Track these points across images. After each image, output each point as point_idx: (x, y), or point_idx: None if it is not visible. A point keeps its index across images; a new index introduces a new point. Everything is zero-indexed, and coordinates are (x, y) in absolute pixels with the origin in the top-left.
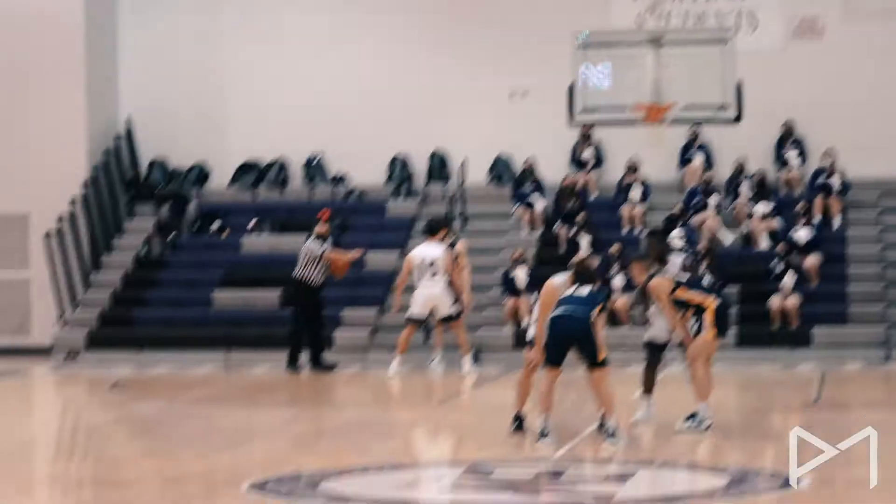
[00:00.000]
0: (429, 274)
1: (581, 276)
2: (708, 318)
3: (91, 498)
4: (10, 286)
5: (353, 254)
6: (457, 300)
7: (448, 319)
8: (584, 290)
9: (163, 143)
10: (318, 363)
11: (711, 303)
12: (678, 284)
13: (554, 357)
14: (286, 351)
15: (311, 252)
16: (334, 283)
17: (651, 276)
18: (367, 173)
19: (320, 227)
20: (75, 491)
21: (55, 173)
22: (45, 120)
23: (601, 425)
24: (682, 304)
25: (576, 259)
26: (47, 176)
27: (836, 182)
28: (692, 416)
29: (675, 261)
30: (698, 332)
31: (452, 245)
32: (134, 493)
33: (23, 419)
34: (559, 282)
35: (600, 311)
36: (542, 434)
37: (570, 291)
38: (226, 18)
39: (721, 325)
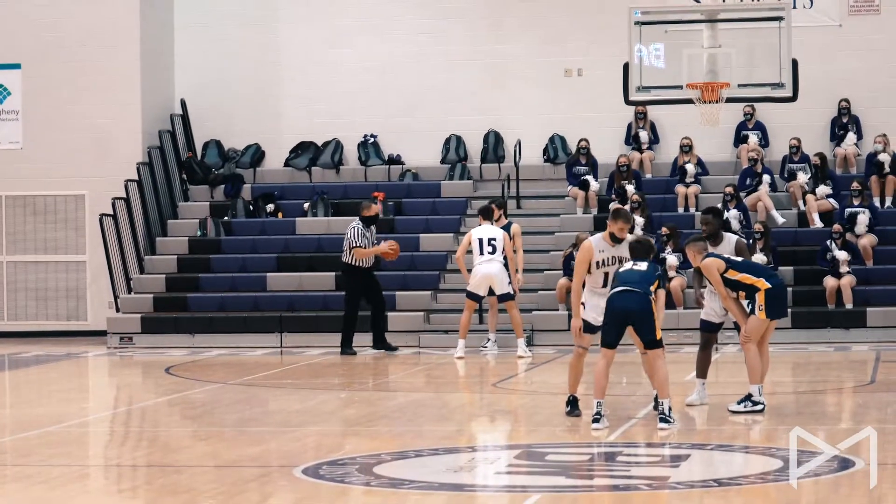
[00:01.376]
0: (487, 252)
1: (638, 251)
2: (759, 299)
3: (145, 482)
4: (66, 269)
5: (382, 247)
6: (511, 281)
7: (504, 298)
8: (643, 265)
9: (218, 124)
10: (381, 343)
11: (764, 284)
12: (730, 264)
13: (610, 338)
14: (340, 334)
15: (352, 236)
16: (386, 266)
17: (706, 257)
18: (422, 153)
19: (367, 210)
20: (130, 475)
21: (110, 154)
22: (101, 100)
23: (655, 406)
24: (735, 285)
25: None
26: (102, 157)
27: (891, 161)
28: (745, 398)
29: (730, 240)
30: (752, 312)
31: (507, 228)
32: (188, 476)
33: (77, 403)
34: (595, 241)
35: (657, 287)
36: (596, 419)
37: (627, 266)
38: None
39: (776, 307)
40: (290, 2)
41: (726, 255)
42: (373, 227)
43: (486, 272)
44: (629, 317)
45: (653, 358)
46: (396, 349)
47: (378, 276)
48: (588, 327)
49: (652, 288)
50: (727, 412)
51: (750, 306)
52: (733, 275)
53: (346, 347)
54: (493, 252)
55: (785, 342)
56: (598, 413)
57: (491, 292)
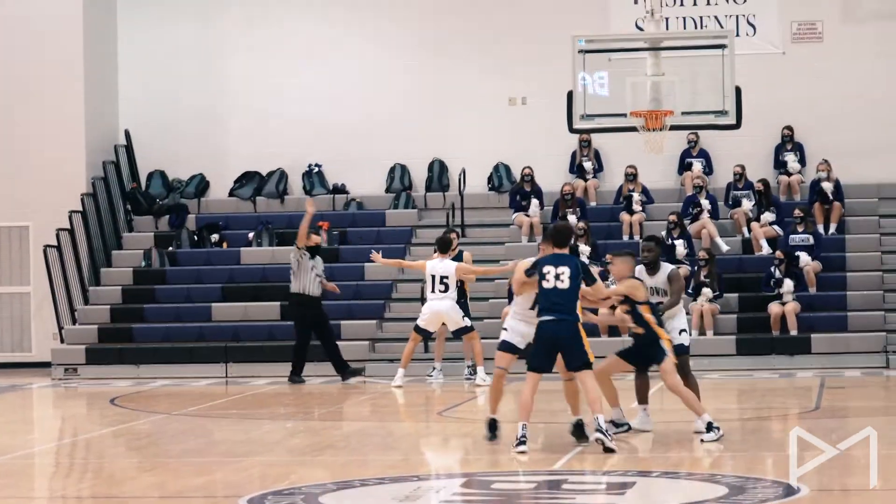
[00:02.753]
0: (439, 290)
1: (558, 239)
2: (667, 346)
3: None
4: (10, 300)
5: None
6: (465, 314)
7: (463, 332)
8: (565, 279)
9: (162, 155)
10: (343, 370)
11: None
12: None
13: (537, 362)
14: (289, 363)
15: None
16: (331, 296)
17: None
18: (367, 182)
19: (308, 240)
20: None
21: (55, 185)
22: (45, 132)
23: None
24: (639, 318)
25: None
26: (47, 188)
27: (834, 188)
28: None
29: (665, 270)
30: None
31: (458, 256)
32: None
33: (21, 434)
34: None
35: (589, 281)
36: (520, 441)
37: (550, 282)
38: (225, 29)
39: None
40: (235, 33)
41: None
42: (318, 258)
43: (438, 309)
44: (558, 344)
45: (583, 378)
46: (361, 371)
47: (324, 304)
48: (511, 348)
49: (583, 286)
50: (671, 439)
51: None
52: (647, 311)
53: (296, 376)
54: (445, 290)
55: (730, 368)
56: (522, 436)
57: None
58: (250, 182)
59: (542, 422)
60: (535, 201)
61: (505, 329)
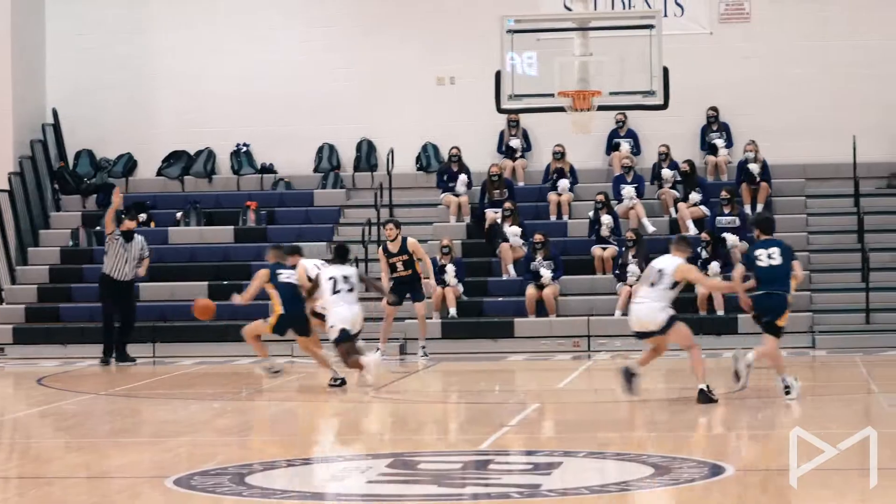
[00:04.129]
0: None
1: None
2: None
3: (15, 494)
4: None
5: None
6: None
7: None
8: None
9: (90, 134)
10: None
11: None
12: None
13: None
14: (217, 342)
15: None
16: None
17: None
18: (295, 162)
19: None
20: (1, 486)
21: None
22: None
23: None
24: None
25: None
26: None
27: (760, 169)
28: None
29: None
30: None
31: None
32: (60, 488)
33: None
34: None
35: None
36: None
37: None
38: (153, 6)
39: None
40: (162, 10)
41: None
42: (134, 241)
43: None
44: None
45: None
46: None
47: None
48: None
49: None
50: (600, 419)
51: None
52: None
53: (119, 355)
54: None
55: None
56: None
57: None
58: (178, 161)
59: (469, 402)
60: (462, 179)
61: None
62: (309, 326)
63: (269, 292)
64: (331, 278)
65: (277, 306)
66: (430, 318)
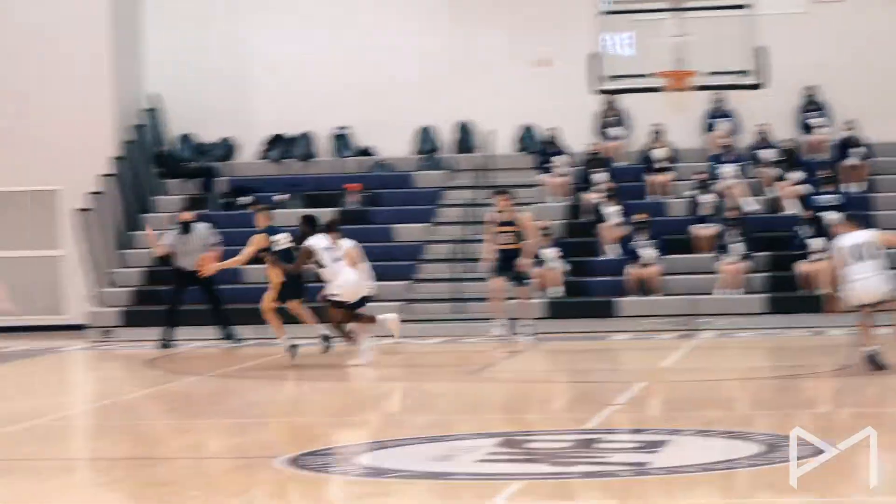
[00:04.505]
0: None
1: None
2: None
3: (125, 475)
4: (42, 264)
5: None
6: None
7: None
8: None
9: (191, 118)
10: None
11: None
12: None
13: None
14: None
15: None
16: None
17: None
18: (395, 144)
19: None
20: (111, 468)
21: (84, 149)
22: (73, 96)
23: None
24: None
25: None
26: (76, 152)
27: (859, 147)
28: None
29: None
30: None
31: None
32: (168, 469)
33: (59, 397)
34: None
35: None
36: None
37: None
38: None
39: None
40: None
41: None
42: (191, 233)
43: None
44: None
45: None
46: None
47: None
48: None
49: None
50: (704, 397)
51: None
52: None
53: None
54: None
55: (761, 327)
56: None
57: None
58: (278, 145)
59: (574, 381)
60: (562, 159)
61: None
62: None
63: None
64: (326, 248)
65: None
66: (534, 299)
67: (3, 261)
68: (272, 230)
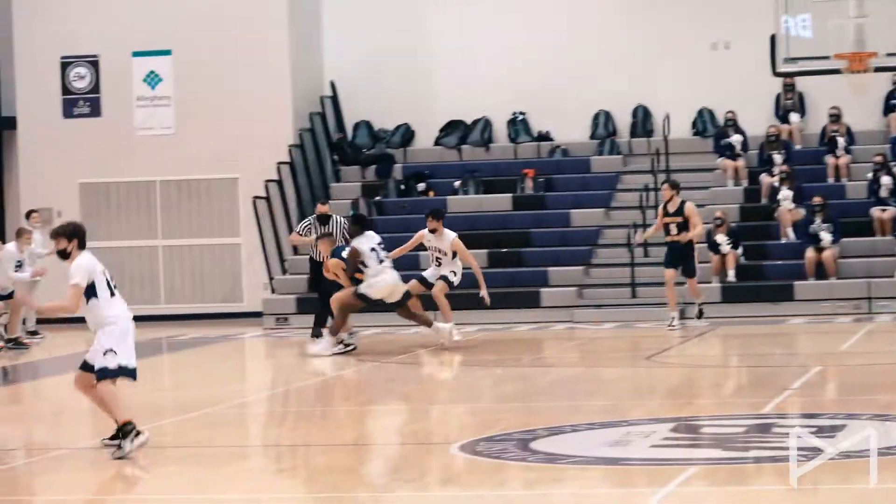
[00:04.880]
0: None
1: None
2: None
3: (303, 462)
4: (221, 251)
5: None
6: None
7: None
8: None
9: (367, 105)
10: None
11: None
12: None
13: None
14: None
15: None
16: (537, 243)
17: None
18: (571, 130)
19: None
20: (289, 454)
21: (262, 137)
22: (252, 84)
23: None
24: None
25: None
26: (255, 140)
27: None
28: None
29: None
30: None
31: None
32: (346, 454)
33: (235, 384)
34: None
35: None
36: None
37: None
38: None
39: None
40: None
41: None
42: (326, 226)
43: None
44: None
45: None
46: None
47: (527, 252)
48: None
49: None
50: (878, 381)
51: None
52: None
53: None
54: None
55: None
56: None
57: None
58: (455, 131)
59: (750, 366)
60: (737, 137)
61: None
62: None
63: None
64: (372, 249)
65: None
66: (710, 283)
67: (184, 249)
68: (338, 251)
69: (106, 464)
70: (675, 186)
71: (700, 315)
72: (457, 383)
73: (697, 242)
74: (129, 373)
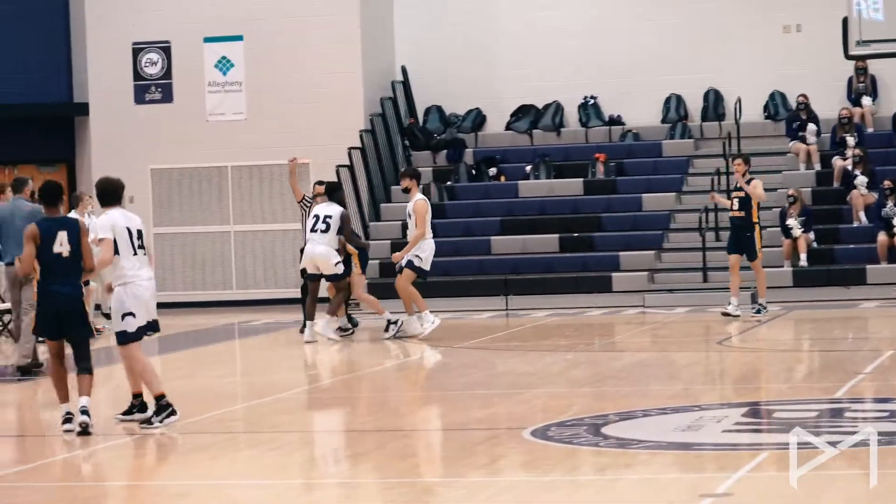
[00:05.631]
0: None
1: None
2: None
3: (375, 446)
4: (293, 237)
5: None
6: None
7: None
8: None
9: (438, 90)
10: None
11: None
12: None
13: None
14: (566, 294)
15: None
16: (609, 227)
17: None
18: (642, 113)
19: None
20: (359, 439)
21: (333, 122)
22: (324, 69)
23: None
24: None
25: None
26: (326, 125)
27: None
28: None
29: None
30: None
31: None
32: (416, 440)
33: (306, 370)
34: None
35: None
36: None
37: None
38: None
39: None
40: None
41: None
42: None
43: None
44: None
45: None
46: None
47: (597, 237)
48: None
49: None
50: None
51: None
52: None
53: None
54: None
55: None
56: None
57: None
58: (526, 115)
59: (822, 350)
60: (811, 128)
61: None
62: None
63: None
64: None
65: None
66: (781, 267)
67: (256, 234)
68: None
69: (169, 447)
70: (747, 160)
71: (759, 311)
72: (528, 368)
73: (757, 208)
74: (151, 327)
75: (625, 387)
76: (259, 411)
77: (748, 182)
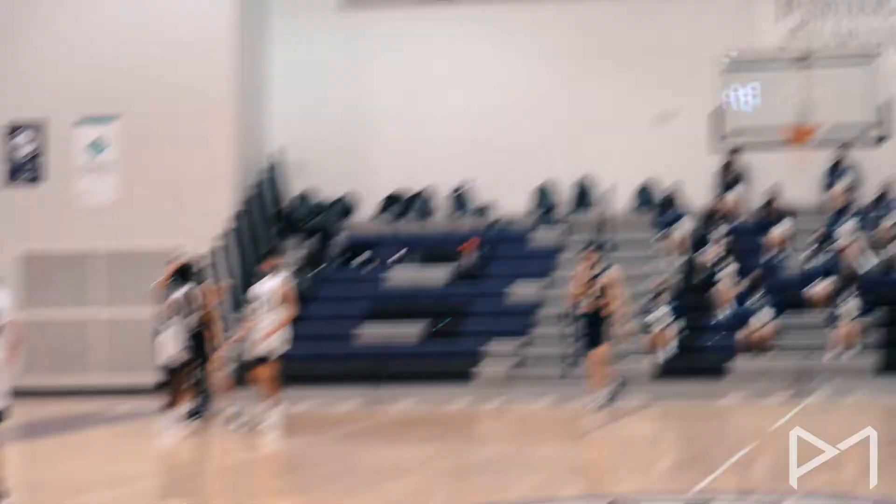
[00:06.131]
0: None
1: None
2: None
3: None
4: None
5: None
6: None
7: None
8: None
9: (310, 176)
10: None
11: None
12: None
13: None
14: (428, 386)
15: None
16: (477, 314)
17: None
18: (514, 202)
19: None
20: None
21: (205, 207)
22: (196, 154)
23: None
24: None
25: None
26: (197, 209)
27: None
28: None
29: None
30: None
31: (596, 275)
32: None
33: (164, 459)
34: None
35: None
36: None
37: None
38: (372, 53)
39: None
40: (381, 57)
41: None
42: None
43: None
44: None
45: None
46: None
47: (464, 325)
48: None
49: None
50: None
51: None
52: None
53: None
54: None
55: (872, 387)
56: None
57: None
58: (396, 203)
59: (685, 443)
60: (680, 219)
61: None
62: None
63: None
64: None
65: None
66: (646, 357)
67: (124, 321)
68: None
69: None
70: (599, 249)
71: (610, 399)
72: (392, 459)
73: (619, 317)
74: None
75: (487, 479)
76: None
77: (603, 272)
